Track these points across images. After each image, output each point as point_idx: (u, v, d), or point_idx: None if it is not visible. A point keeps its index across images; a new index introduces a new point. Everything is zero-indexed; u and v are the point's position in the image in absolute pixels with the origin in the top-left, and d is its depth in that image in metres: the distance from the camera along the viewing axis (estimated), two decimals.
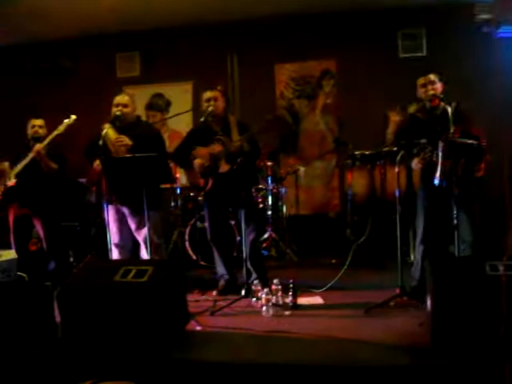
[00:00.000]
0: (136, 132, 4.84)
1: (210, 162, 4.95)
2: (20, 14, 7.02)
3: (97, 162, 4.74)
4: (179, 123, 7.61)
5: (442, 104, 4.33)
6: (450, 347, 3.12)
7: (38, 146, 5.38)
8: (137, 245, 4.99)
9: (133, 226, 4.87)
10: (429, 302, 3.44)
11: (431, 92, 4.47)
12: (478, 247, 4.40)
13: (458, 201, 4.20)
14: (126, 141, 4.75)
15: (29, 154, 5.43)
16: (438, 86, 4.52)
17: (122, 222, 4.93)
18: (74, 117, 5.35)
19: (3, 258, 4.30)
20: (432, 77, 4.54)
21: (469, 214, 4.40)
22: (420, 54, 7.59)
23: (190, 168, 5.08)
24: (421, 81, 4.59)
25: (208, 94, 5.03)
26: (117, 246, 4.93)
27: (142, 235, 4.81)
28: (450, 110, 4.20)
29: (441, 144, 4.15)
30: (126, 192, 4.76)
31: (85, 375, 3.00)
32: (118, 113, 4.83)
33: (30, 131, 5.66)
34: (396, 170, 4.36)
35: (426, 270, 3.95)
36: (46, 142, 5.40)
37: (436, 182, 4.18)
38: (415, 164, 4.45)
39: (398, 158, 4.36)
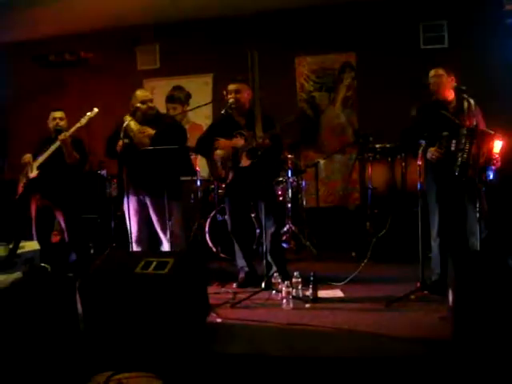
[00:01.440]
0: (158, 124, 4.87)
1: (232, 156, 4.95)
2: (43, 7, 7.08)
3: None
4: (199, 116, 7.66)
5: (462, 96, 4.35)
6: (472, 342, 3.10)
7: (64, 135, 5.41)
8: (156, 237, 5.03)
9: (154, 217, 4.91)
10: (451, 296, 3.42)
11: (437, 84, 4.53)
12: (497, 241, 4.37)
13: (470, 193, 4.23)
14: (149, 130, 4.80)
15: (51, 146, 5.47)
16: (445, 79, 4.53)
17: (142, 213, 4.96)
18: (96, 109, 5.39)
19: (26, 249, 4.34)
20: (440, 71, 4.58)
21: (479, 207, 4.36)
22: (442, 46, 7.51)
23: (213, 159, 5.08)
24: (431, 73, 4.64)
25: (230, 86, 5.03)
26: (136, 237, 4.97)
27: (163, 226, 4.84)
28: (472, 102, 4.22)
29: (463, 132, 4.18)
30: (148, 183, 4.81)
31: (105, 367, 3.02)
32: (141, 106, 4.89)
33: (51, 124, 5.70)
34: (418, 162, 4.34)
35: (447, 263, 3.94)
36: (70, 132, 5.44)
37: (456, 172, 4.20)
38: (431, 154, 4.41)
39: (420, 150, 4.34)
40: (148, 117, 4.92)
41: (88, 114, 5.38)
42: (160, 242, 5.00)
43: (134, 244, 4.94)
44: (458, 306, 3.22)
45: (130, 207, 4.84)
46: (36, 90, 8.41)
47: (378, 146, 6.39)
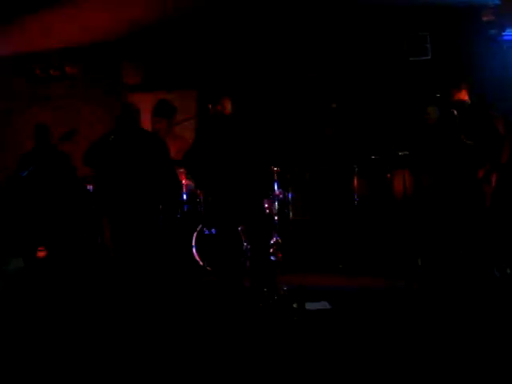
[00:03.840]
0: (140, 143, 4.88)
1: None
2: (28, 22, 7.08)
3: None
4: (184, 129, 7.63)
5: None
6: None
7: None
8: (142, 253, 5.01)
9: (140, 234, 4.89)
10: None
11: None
12: (486, 252, 4.38)
13: (457, 206, 4.24)
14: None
15: (35, 162, 5.44)
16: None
17: (128, 230, 4.93)
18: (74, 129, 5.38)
19: (12, 266, 4.32)
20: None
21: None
22: (425, 58, 7.56)
23: (200, 174, 5.09)
24: None
25: (214, 100, 5.05)
26: (122, 253, 4.94)
27: (149, 243, 4.83)
28: (455, 112, 4.26)
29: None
30: (133, 202, 4.79)
31: None
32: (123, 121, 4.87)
33: (35, 138, 5.68)
34: (403, 174, 4.36)
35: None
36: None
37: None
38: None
39: (406, 163, 4.37)
40: (131, 132, 4.91)
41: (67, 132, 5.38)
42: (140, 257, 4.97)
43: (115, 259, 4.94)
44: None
45: (115, 222, 4.82)
46: (22, 104, 8.40)
47: (364, 157, 6.40)
